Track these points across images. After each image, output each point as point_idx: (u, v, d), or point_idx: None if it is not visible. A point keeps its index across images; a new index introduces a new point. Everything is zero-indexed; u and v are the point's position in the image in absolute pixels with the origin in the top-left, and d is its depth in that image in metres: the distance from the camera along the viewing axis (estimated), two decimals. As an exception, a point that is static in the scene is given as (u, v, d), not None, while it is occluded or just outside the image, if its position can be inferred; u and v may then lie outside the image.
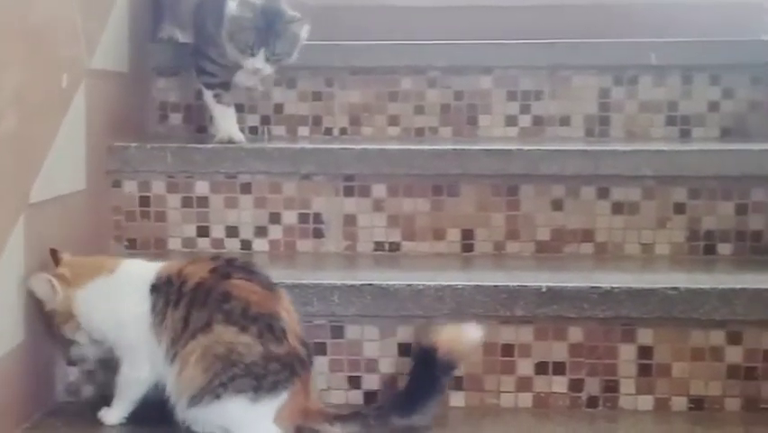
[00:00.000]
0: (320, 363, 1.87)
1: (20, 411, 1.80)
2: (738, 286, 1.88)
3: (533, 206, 2.18)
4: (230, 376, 1.70)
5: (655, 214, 2.17)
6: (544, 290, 1.88)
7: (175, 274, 1.76)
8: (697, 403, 1.89)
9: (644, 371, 1.89)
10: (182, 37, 2.45)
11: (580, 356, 1.90)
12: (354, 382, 1.91)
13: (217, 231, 2.20)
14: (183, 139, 2.36)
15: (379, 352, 1.91)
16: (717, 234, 2.16)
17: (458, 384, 1.90)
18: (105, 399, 1.83)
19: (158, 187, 2.19)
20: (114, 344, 1.79)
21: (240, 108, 2.37)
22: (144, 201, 2.20)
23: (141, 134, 2.39)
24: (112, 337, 1.79)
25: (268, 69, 2.19)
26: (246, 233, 2.20)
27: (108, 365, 1.91)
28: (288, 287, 1.83)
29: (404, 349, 1.91)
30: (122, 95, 2.31)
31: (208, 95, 2.28)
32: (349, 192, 2.19)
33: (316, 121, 2.47)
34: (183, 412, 1.74)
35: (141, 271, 1.79)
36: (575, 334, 1.90)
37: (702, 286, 1.88)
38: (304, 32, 2.20)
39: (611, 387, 1.90)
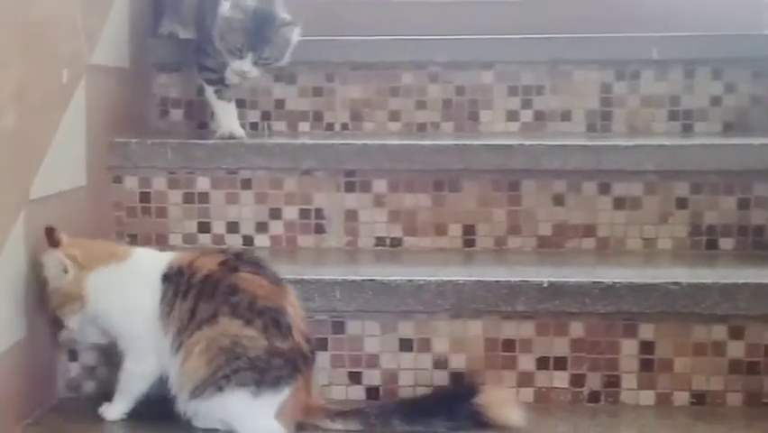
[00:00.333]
0: (321, 358, 1.87)
1: (21, 407, 1.79)
2: (740, 281, 1.87)
3: (534, 201, 2.17)
4: (233, 369, 1.70)
5: (657, 209, 2.16)
6: (545, 285, 1.87)
7: (186, 265, 1.76)
8: (699, 398, 1.89)
9: (646, 366, 1.89)
10: (183, 33, 2.44)
11: (582, 351, 1.90)
12: (355, 378, 1.91)
13: (218, 227, 2.20)
14: (184, 135, 2.36)
15: (381, 347, 1.91)
16: (720, 229, 2.16)
17: (459, 380, 1.89)
18: (106, 395, 1.83)
19: (158, 183, 2.19)
20: (119, 333, 1.79)
21: (241, 104, 2.37)
22: (145, 197, 2.20)
23: (141, 130, 2.38)
24: (119, 325, 1.78)
25: (254, 72, 2.19)
26: (247, 228, 2.20)
27: (110, 361, 1.91)
28: (289, 282, 1.83)
29: (405, 344, 1.91)
30: (122, 90, 2.30)
31: (209, 91, 2.28)
32: (350, 187, 2.19)
33: (317, 116, 2.47)
34: (184, 404, 1.74)
35: (153, 261, 1.80)
36: (577, 329, 1.89)
37: (704, 281, 1.88)
38: (295, 35, 2.19)
39: (613, 382, 1.89)
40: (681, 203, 2.16)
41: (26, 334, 1.80)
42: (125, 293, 1.77)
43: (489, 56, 2.45)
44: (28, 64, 1.80)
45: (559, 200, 2.17)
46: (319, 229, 2.20)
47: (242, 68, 2.18)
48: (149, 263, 1.79)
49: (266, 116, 2.45)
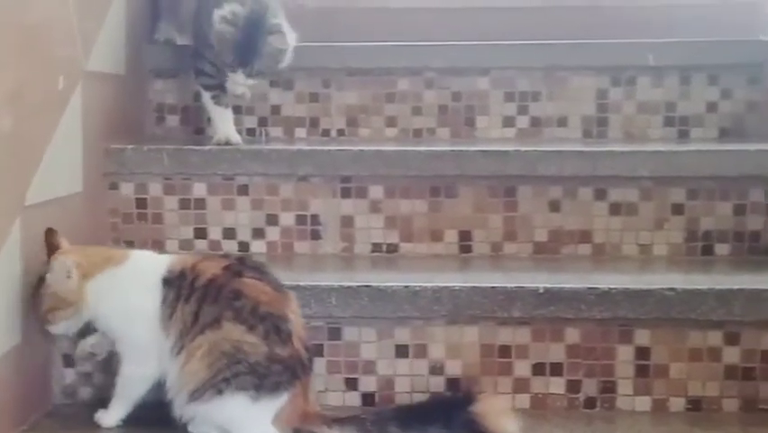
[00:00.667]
0: (317, 364, 1.87)
1: (16, 414, 1.79)
2: (736, 287, 1.87)
3: (530, 207, 2.17)
4: (234, 373, 1.70)
5: (653, 215, 2.16)
6: (541, 291, 1.87)
7: (189, 268, 1.76)
8: (695, 404, 1.89)
9: (642, 372, 1.89)
10: (180, 39, 2.45)
11: (578, 357, 1.90)
12: (351, 384, 1.91)
13: (215, 233, 2.20)
14: (180, 141, 2.36)
15: (377, 353, 1.91)
16: (715, 235, 2.16)
17: (455, 386, 1.89)
18: (102, 401, 1.83)
19: (155, 189, 2.19)
20: (118, 336, 1.79)
21: (237, 110, 2.36)
22: (141, 203, 2.20)
23: (138, 136, 2.38)
24: (118, 328, 1.78)
25: (250, 82, 2.19)
26: (244, 234, 2.20)
27: (106, 368, 1.91)
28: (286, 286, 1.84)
29: (401, 351, 1.91)
30: (118, 96, 2.31)
31: (206, 96, 2.28)
32: (346, 194, 2.19)
33: (314, 122, 2.47)
34: (182, 408, 1.74)
35: (152, 263, 1.80)
36: (572, 335, 1.90)
37: (700, 287, 1.88)
38: (289, 41, 2.19)
39: (609, 388, 1.89)
40: (677, 209, 2.16)
41: (21, 340, 1.80)
42: (125, 296, 1.77)
43: (485, 62, 2.45)
44: (24, 70, 1.80)
45: (555, 206, 2.17)
46: (315, 235, 2.20)
47: (238, 81, 2.18)
48: (147, 266, 1.79)
49: (262, 122, 2.45)
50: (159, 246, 2.18)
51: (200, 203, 2.20)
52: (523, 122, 2.45)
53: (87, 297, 1.77)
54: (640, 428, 1.83)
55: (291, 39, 2.20)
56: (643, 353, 1.89)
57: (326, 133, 2.47)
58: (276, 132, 2.47)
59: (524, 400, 1.90)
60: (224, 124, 2.26)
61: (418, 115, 2.46)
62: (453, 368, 1.91)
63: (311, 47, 2.33)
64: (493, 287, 1.89)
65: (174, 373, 1.73)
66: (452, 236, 2.19)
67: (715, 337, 1.88)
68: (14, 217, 1.77)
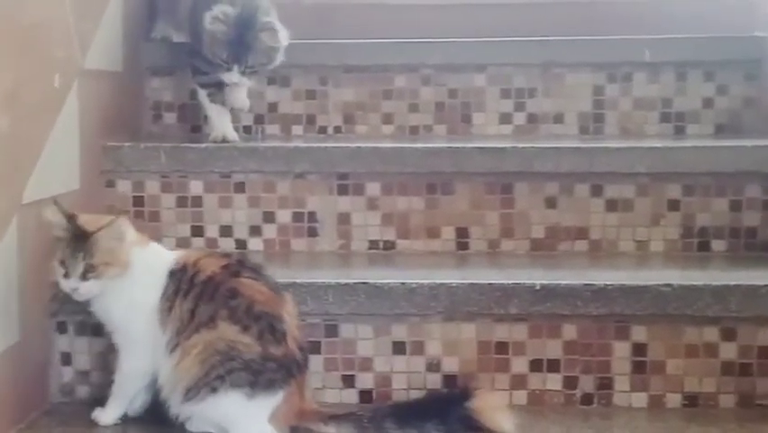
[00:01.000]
0: (314, 362, 1.87)
1: (14, 412, 1.80)
2: (732, 282, 1.88)
3: (527, 203, 2.18)
4: (227, 369, 1.70)
5: (649, 211, 2.17)
6: (538, 287, 1.88)
7: (191, 264, 1.77)
8: (691, 400, 1.89)
9: (639, 368, 1.89)
10: (176, 37, 2.45)
11: (575, 354, 1.90)
12: (348, 381, 1.91)
13: (212, 230, 2.20)
14: (177, 138, 2.36)
15: (374, 351, 1.91)
16: (712, 231, 2.16)
17: (452, 383, 1.90)
18: (100, 400, 1.84)
19: (152, 186, 2.19)
20: (117, 327, 1.78)
21: (234, 107, 2.36)
22: (138, 201, 2.20)
23: (135, 134, 2.38)
24: (119, 319, 1.77)
25: (245, 82, 2.20)
26: (240, 232, 2.20)
27: (103, 366, 1.91)
28: (282, 286, 1.84)
29: (398, 348, 1.91)
30: (116, 94, 2.31)
31: (203, 94, 2.28)
32: (343, 191, 2.19)
33: (310, 120, 2.47)
34: (177, 407, 1.74)
35: (162, 256, 1.80)
36: (569, 331, 1.90)
37: (696, 283, 1.88)
38: (281, 39, 2.19)
39: (605, 384, 1.90)
40: (674, 205, 2.16)
41: (19, 338, 1.80)
42: (135, 284, 1.76)
43: (481, 59, 2.45)
44: (21, 68, 1.80)
45: (551, 203, 2.18)
46: (312, 232, 2.20)
47: (232, 79, 2.19)
48: (159, 258, 1.80)
49: (259, 120, 2.45)
50: (156, 244, 2.19)
51: (197, 201, 2.20)
52: (519, 118, 2.45)
53: (130, 262, 1.75)
54: (637, 425, 1.83)
55: (283, 37, 2.20)
56: (639, 349, 1.89)
57: (323, 130, 2.47)
58: (273, 129, 2.47)
59: (521, 396, 1.90)
60: (220, 121, 2.26)
61: (415, 112, 2.46)
62: (450, 365, 1.91)
63: (308, 44, 2.33)
64: (490, 284, 1.89)
65: (168, 371, 1.74)
66: (448, 233, 2.19)
67: (711, 333, 1.89)
68: (12, 216, 1.77)
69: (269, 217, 2.20)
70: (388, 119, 2.47)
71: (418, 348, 1.91)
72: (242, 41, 2.16)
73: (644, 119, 2.44)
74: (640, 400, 1.89)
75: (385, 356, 1.91)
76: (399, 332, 1.91)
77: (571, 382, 1.90)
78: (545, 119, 2.45)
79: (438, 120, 2.46)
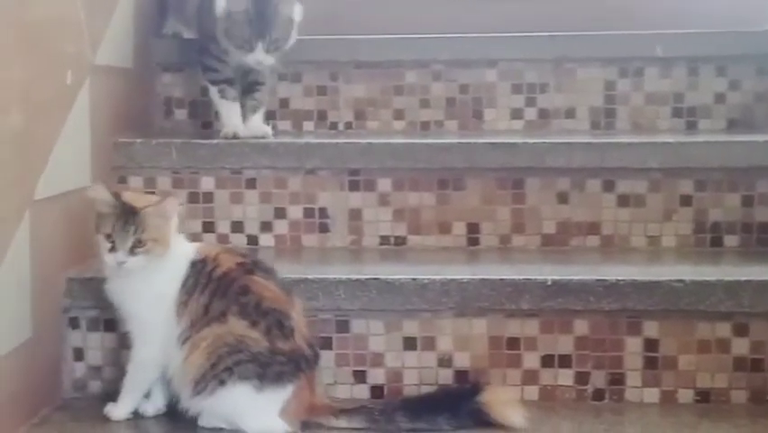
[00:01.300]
0: (326, 357, 1.87)
1: (27, 407, 1.80)
2: (744, 278, 1.87)
3: (538, 199, 2.17)
4: (235, 361, 1.71)
5: (662, 206, 2.16)
6: (549, 283, 1.88)
7: (211, 257, 1.78)
8: (703, 396, 1.89)
9: (651, 363, 1.89)
10: (187, 33, 2.45)
11: (586, 349, 1.90)
12: (360, 377, 1.92)
13: (223, 226, 2.20)
14: (188, 134, 2.36)
15: (385, 346, 1.91)
16: (724, 226, 2.15)
17: (464, 378, 1.90)
18: (112, 395, 1.84)
19: (163, 182, 2.20)
20: (136, 315, 1.78)
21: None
22: (150, 197, 2.20)
23: (146, 130, 2.39)
24: (140, 306, 1.77)
25: (270, 60, 2.19)
26: (252, 228, 2.20)
27: (115, 361, 1.92)
28: (293, 282, 1.85)
29: (409, 343, 1.91)
30: (127, 91, 2.31)
31: (213, 91, 2.28)
32: (354, 186, 2.19)
33: (321, 115, 2.47)
34: (187, 401, 1.75)
35: (185, 247, 1.80)
36: (581, 327, 1.90)
37: (708, 278, 1.88)
38: (297, 12, 2.19)
39: (617, 380, 1.89)
40: (686, 200, 2.16)
41: (32, 334, 1.80)
42: (159, 273, 1.76)
43: (492, 54, 2.45)
44: (32, 65, 1.80)
45: (563, 198, 2.17)
46: (323, 228, 2.20)
47: (257, 58, 2.18)
48: (182, 247, 1.80)
49: (270, 116, 2.45)
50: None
51: (208, 197, 2.20)
52: (531, 114, 2.45)
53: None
54: (648, 420, 1.83)
55: (298, 11, 2.19)
56: (651, 344, 1.89)
57: (334, 126, 2.47)
58: (284, 125, 2.47)
59: (532, 391, 1.90)
60: (231, 117, 2.26)
61: (426, 108, 2.46)
62: (462, 360, 1.91)
63: (318, 40, 2.33)
64: (501, 279, 1.89)
65: (178, 363, 1.75)
66: (460, 229, 2.19)
67: (723, 329, 1.88)
68: (24, 211, 1.78)
69: (280, 213, 2.20)
70: (399, 115, 2.47)
71: (429, 344, 1.91)
72: (262, 15, 2.15)
73: (656, 114, 2.43)
74: (652, 395, 1.89)
75: (396, 352, 1.91)
76: (411, 327, 1.91)
77: (582, 378, 1.90)
78: (557, 114, 2.44)
79: (449, 115, 2.46)
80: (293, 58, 2.29)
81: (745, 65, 2.40)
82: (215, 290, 1.75)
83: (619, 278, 1.87)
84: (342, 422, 1.75)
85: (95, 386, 1.95)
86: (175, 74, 2.48)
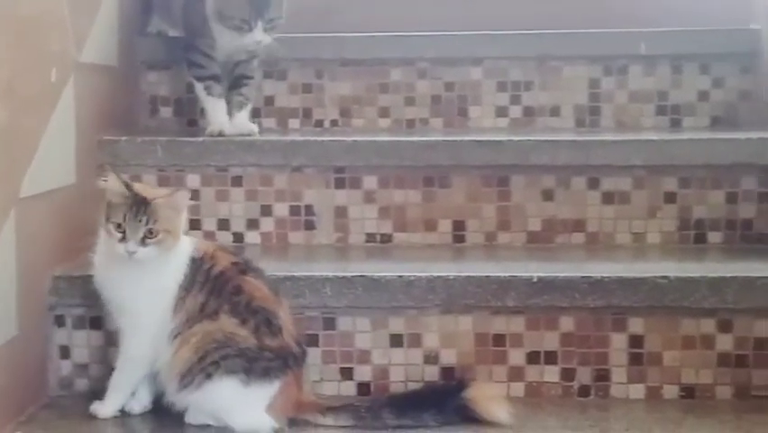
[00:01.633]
0: (312, 354, 1.87)
1: (13, 405, 1.80)
2: (728, 274, 1.88)
3: (523, 196, 2.18)
4: (222, 355, 1.72)
5: (646, 203, 2.17)
6: (535, 280, 1.88)
7: (209, 255, 1.78)
8: (688, 391, 1.90)
9: (636, 360, 1.90)
10: (172, 31, 2.45)
11: (572, 346, 1.90)
12: (347, 374, 1.92)
13: (209, 224, 2.20)
14: (174, 132, 2.36)
15: (371, 343, 1.92)
16: (708, 223, 2.17)
17: (450, 375, 1.90)
18: (98, 393, 1.84)
19: (148, 180, 2.18)
20: (131, 310, 1.77)
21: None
22: (135, 195, 2.20)
23: (131, 128, 2.38)
24: (137, 301, 1.76)
25: (267, 40, 2.19)
26: (238, 225, 2.20)
27: (102, 359, 1.92)
28: (280, 279, 1.85)
29: (396, 340, 1.91)
30: (111, 89, 2.31)
31: (199, 87, 2.28)
32: (340, 184, 2.19)
33: (307, 113, 2.47)
34: (173, 395, 1.75)
35: (183, 242, 1.79)
36: (566, 323, 1.90)
37: (693, 275, 1.89)
38: None
39: (603, 376, 1.90)
40: (670, 197, 2.17)
41: (18, 332, 1.80)
42: (160, 268, 1.75)
43: (477, 52, 2.45)
44: (16, 62, 1.80)
45: (548, 195, 2.18)
46: (309, 226, 2.20)
47: (256, 38, 2.18)
48: (183, 242, 1.79)
49: (256, 113, 2.45)
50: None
51: (194, 194, 2.19)
52: (516, 111, 2.46)
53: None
54: (634, 416, 1.84)
55: None
56: (636, 341, 1.90)
57: (320, 123, 2.47)
58: (269, 123, 2.47)
59: (518, 388, 1.91)
60: (217, 114, 2.26)
61: (411, 106, 2.47)
62: (448, 357, 1.91)
63: (304, 37, 2.34)
64: (487, 276, 1.89)
65: (167, 358, 1.75)
66: (445, 226, 2.19)
67: (708, 325, 1.89)
68: (9, 210, 1.77)
69: (266, 211, 2.20)
70: (384, 113, 2.47)
71: (416, 341, 1.92)
72: None
73: (640, 112, 2.44)
74: (637, 391, 1.90)
75: (383, 349, 1.92)
76: (397, 325, 1.92)
77: (568, 374, 1.91)
78: (542, 112, 2.45)
79: (434, 113, 2.47)
80: (278, 55, 2.29)
81: (729, 63, 2.42)
82: (212, 289, 1.75)
83: (604, 275, 1.88)
84: (329, 420, 1.75)
85: (81, 384, 1.94)
86: (160, 72, 2.48)
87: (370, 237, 2.20)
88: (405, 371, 1.92)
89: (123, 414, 1.81)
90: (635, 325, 1.90)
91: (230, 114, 2.27)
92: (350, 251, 2.17)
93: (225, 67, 2.28)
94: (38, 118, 1.91)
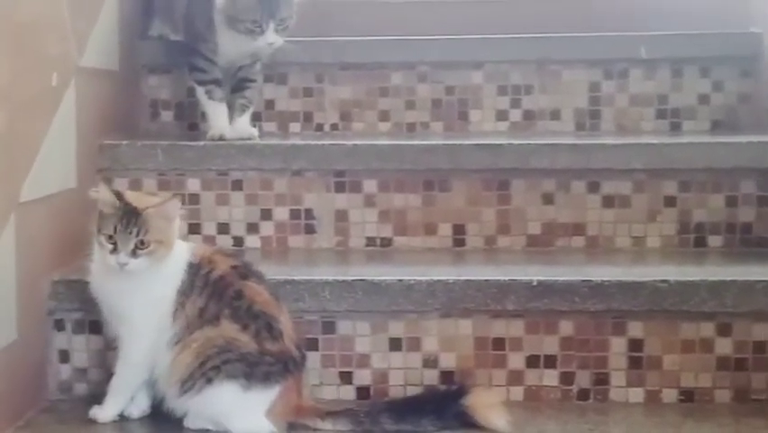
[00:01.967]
0: (312, 358, 1.87)
1: (13, 410, 1.80)
2: (728, 278, 1.88)
3: (524, 200, 2.18)
4: (223, 360, 1.72)
5: (646, 207, 2.17)
6: (534, 283, 1.88)
7: (207, 259, 1.78)
8: (687, 395, 1.89)
9: (635, 363, 1.90)
10: (174, 35, 2.45)
11: (571, 349, 1.90)
12: (346, 378, 1.92)
13: (209, 228, 2.20)
14: (174, 136, 2.36)
15: (371, 347, 1.92)
16: (708, 227, 2.17)
17: (449, 379, 1.90)
18: (98, 397, 1.84)
19: (149, 185, 2.19)
20: (129, 317, 1.76)
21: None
22: (136, 199, 2.20)
23: (132, 132, 2.39)
24: (135, 309, 1.75)
25: (279, 41, 2.19)
26: (238, 229, 2.20)
27: (101, 364, 1.92)
28: (280, 283, 1.85)
29: (395, 344, 1.91)
30: (112, 93, 2.31)
31: (200, 91, 2.28)
32: (340, 188, 2.20)
33: (307, 117, 2.48)
34: (174, 400, 1.75)
35: (180, 247, 1.79)
36: (566, 327, 1.90)
37: (692, 278, 1.89)
38: None
39: (602, 380, 1.90)
40: (670, 201, 2.17)
41: (17, 336, 1.80)
42: (157, 276, 1.75)
43: (478, 56, 2.46)
44: (17, 67, 1.80)
45: (548, 199, 2.18)
46: (309, 229, 2.20)
47: (268, 40, 2.17)
48: (179, 248, 1.79)
49: (256, 117, 2.45)
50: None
51: (194, 198, 2.20)
52: (516, 115, 2.46)
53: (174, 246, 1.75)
54: (633, 420, 1.84)
55: None
56: (636, 345, 1.90)
57: (320, 127, 2.48)
58: (270, 127, 2.48)
59: (518, 392, 1.91)
60: (218, 118, 2.26)
61: (412, 110, 2.47)
62: (447, 361, 1.91)
63: (305, 41, 2.33)
64: (487, 280, 1.89)
65: (166, 364, 1.75)
66: (445, 230, 2.19)
67: (707, 329, 1.89)
68: (10, 214, 1.78)
69: (266, 215, 2.20)
70: (384, 116, 2.47)
71: (415, 345, 1.92)
72: None
73: (640, 115, 2.44)
74: (636, 395, 1.90)
75: (382, 353, 1.92)
76: (396, 329, 1.92)
77: (567, 378, 1.91)
78: (542, 116, 2.45)
79: (435, 117, 2.47)
80: (279, 59, 2.29)
81: (729, 66, 2.42)
82: (212, 293, 1.75)
83: (604, 278, 1.88)
84: (328, 424, 1.75)
85: (80, 388, 1.94)
86: (161, 76, 2.48)
87: (370, 241, 2.20)
88: (404, 375, 1.92)
89: (123, 419, 1.81)
90: (635, 328, 1.90)
91: (231, 117, 2.27)
92: (350, 255, 2.18)
93: (227, 70, 2.28)
94: (39, 122, 1.92)
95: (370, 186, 2.19)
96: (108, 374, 1.83)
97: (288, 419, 1.75)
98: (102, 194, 1.75)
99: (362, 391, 1.92)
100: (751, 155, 2.15)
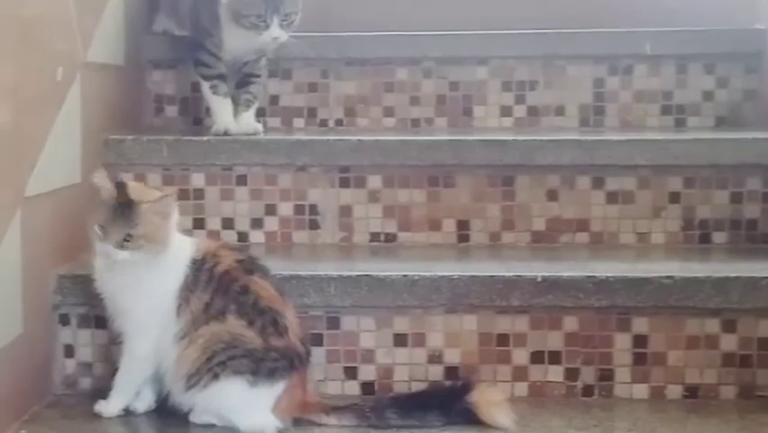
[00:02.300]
0: (317, 354, 1.88)
1: (18, 404, 1.80)
2: (733, 274, 1.88)
3: (528, 196, 2.18)
4: (229, 355, 1.72)
5: (650, 203, 2.17)
6: (539, 279, 1.88)
7: (211, 254, 1.78)
8: (692, 391, 1.90)
9: (640, 359, 1.90)
10: (178, 31, 2.45)
11: (576, 345, 1.90)
12: (351, 373, 1.92)
13: (213, 223, 2.20)
14: (179, 131, 2.36)
15: (376, 342, 1.92)
16: (712, 223, 2.17)
17: (454, 374, 1.90)
18: (103, 391, 1.84)
19: (154, 180, 2.19)
20: (132, 312, 1.77)
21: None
22: (140, 194, 2.20)
23: (137, 127, 2.39)
24: (137, 303, 1.76)
25: (284, 36, 2.18)
26: (242, 225, 2.21)
27: (106, 358, 1.92)
28: (284, 278, 1.85)
29: (400, 340, 1.91)
30: (117, 88, 2.31)
31: (205, 86, 2.28)
32: (345, 183, 2.20)
33: (312, 112, 2.48)
34: (179, 396, 1.75)
35: (183, 243, 1.79)
36: (571, 323, 1.90)
37: (697, 275, 1.89)
38: None
39: (606, 376, 1.90)
40: (674, 197, 2.17)
41: (23, 330, 1.80)
42: (159, 271, 1.75)
43: (483, 51, 2.46)
44: (22, 61, 1.80)
45: (553, 195, 2.18)
46: (314, 225, 2.20)
47: (273, 34, 2.17)
48: (182, 243, 1.79)
49: (260, 113, 2.45)
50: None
51: (199, 193, 2.20)
52: (520, 111, 2.46)
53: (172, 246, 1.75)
54: (638, 416, 1.84)
55: None
56: (640, 341, 1.90)
57: (324, 123, 2.48)
58: (274, 122, 2.48)
59: (522, 388, 1.91)
60: (222, 113, 2.26)
61: (416, 105, 2.47)
62: (452, 357, 1.91)
63: (309, 37, 2.33)
64: (491, 276, 1.90)
65: (172, 359, 1.75)
66: (450, 226, 2.19)
67: (712, 325, 1.89)
68: (15, 208, 1.78)
69: (270, 210, 2.21)
70: (389, 112, 2.47)
71: (420, 340, 1.92)
72: None
73: (645, 112, 2.44)
74: (641, 391, 1.90)
75: (387, 348, 1.92)
76: (401, 324, 1.92)
77: (572, 374, 1.91)
78: (546, 112, 2.45)
79: (439, 113, 2.47)
80: (284, 55, 2.29)
81: (734, 63, 2.42)
82: (217, 288, 1.75)
83: (609, 274, 1.88)
84: (333, 419, 1.75)
85: (85, 383, 1.95)
86: (166, 71, 2.48)
87: (375, 237, 2.20)
88: (409, 370, 1.92)
89: (128, 413, 1.81)
90: (640, 324, 1.90)
91: (236, 112, 2.27)
92: (354, 250, 2.18)
93: (232, 66, 2.28)
94: (44, 117, 1.92)
95: (374, 181, 2.19)
96: (113, 369, 1.84)
97: (294, 415, 1.75)
98: (100, 181, 1.74)
99: (367, 387, 1.92)
100: (756, 151, 2.15)
